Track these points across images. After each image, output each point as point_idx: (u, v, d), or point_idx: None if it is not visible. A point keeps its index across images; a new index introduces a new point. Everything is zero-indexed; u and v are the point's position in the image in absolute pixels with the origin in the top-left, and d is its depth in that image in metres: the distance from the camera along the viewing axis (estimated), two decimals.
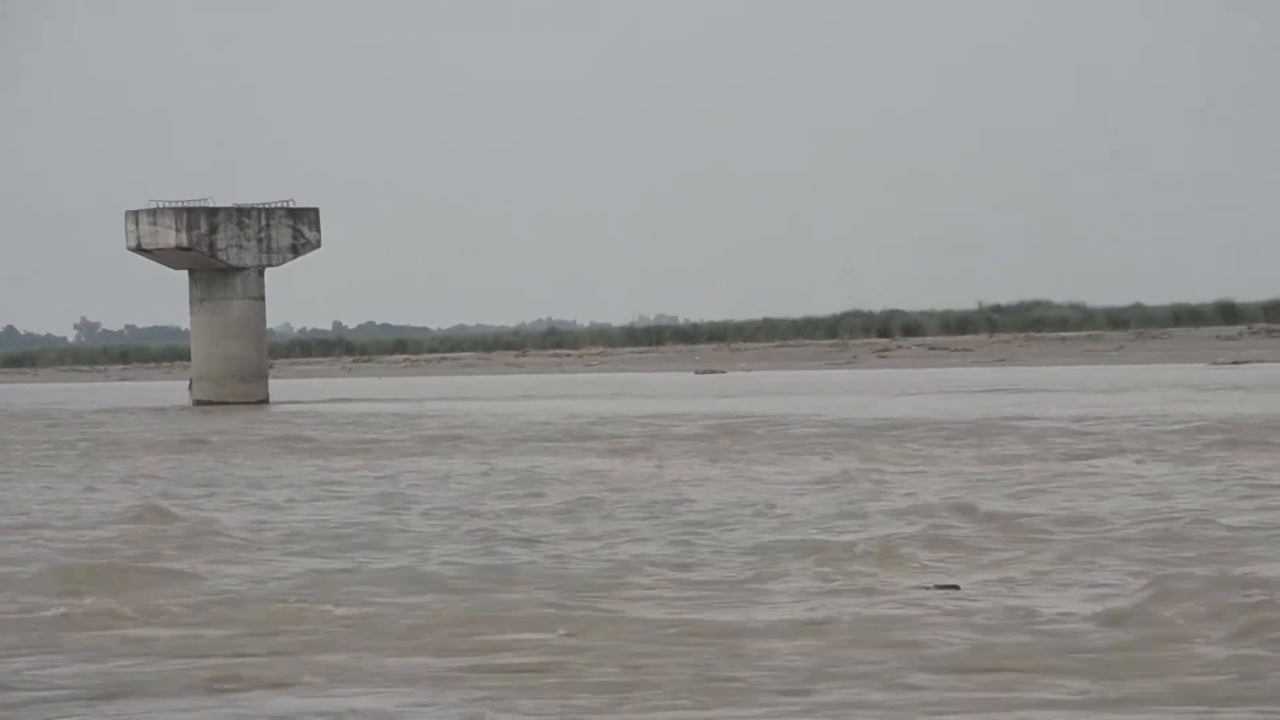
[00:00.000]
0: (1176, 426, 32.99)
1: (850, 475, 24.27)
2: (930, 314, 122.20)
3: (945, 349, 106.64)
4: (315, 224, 71.17)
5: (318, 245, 71.38)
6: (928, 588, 13.60)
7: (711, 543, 17.15)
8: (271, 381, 73.07)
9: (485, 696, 10.40)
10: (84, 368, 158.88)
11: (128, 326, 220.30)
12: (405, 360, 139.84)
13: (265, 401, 68.35)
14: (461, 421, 44.46)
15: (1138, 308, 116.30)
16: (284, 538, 18.55)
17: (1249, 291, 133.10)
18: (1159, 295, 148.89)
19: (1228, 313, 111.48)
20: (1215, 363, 79.64)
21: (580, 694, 10.37)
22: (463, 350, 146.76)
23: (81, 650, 12.23)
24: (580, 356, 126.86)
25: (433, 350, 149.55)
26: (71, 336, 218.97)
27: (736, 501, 21.02)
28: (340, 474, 27.88)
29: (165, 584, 15.12)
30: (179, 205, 69.14)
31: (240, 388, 68.83)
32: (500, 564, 15.82)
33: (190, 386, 71.67)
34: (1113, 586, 13.71)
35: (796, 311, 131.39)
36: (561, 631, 12.36)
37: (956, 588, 13.42)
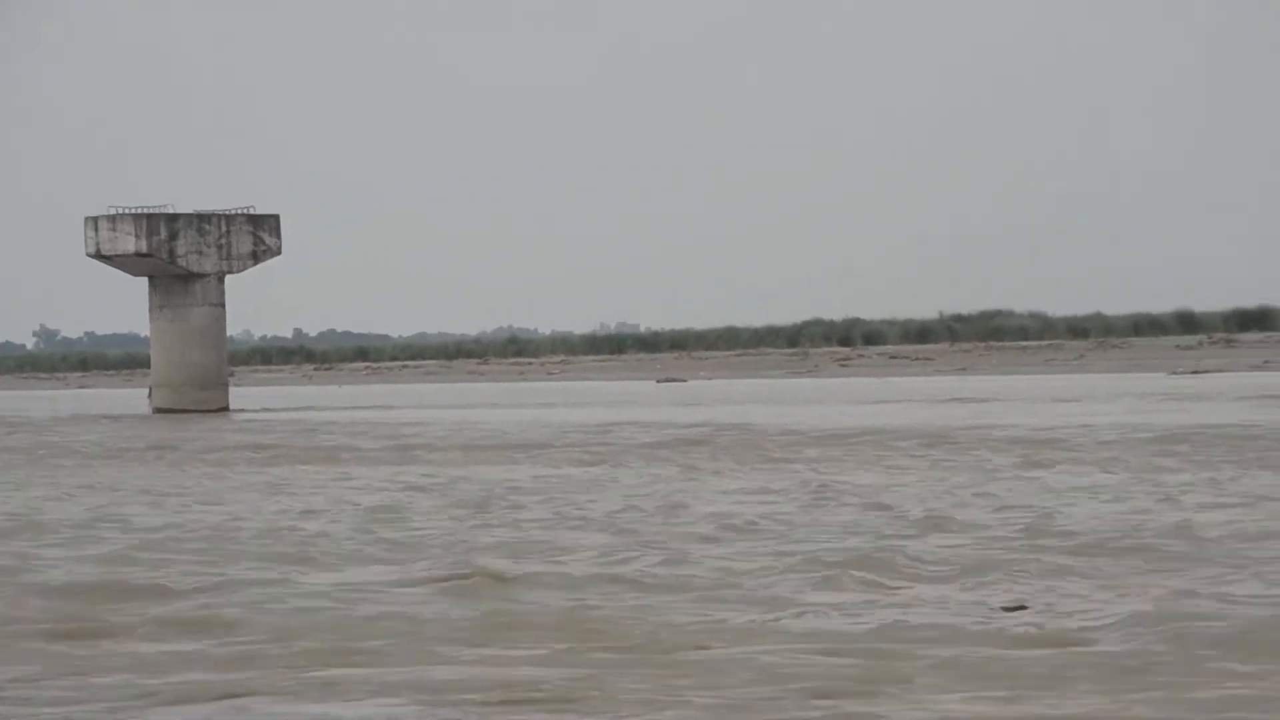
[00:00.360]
0: (1145, 434, 32.99)
1: (829, 486, 24.14)
2: (891, 323, 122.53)
3: (906, 358, 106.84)
4: (276, 230, 70.93)
5: (278, 252, 71.14)
6: (993, 608, 13.26)
7: (716, 555, 16.95)
8: (232, 389, 72.76)
9: (484, 709, 10.26)
10: (42, 375, 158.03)
11: (87, 333, 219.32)
12: (366, 368, 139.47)
13: (225, 409, 68.04)
14: (438, 429, 44.23)
15: (1098, 317, 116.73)
16: (290, 549, 18.33)
17: (1208, 301, 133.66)
18: (1119, 305, 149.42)
19: (1187, 322, 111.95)
20: (1175, 372, 79.96)
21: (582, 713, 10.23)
22: (424, 358, 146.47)
23: (88, 664, 12.07)
24: (542, 365, 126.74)
25: (394, 358, 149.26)
26: (30, 343, 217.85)
27: (729, 513, 20.86)
28: (332, 483, 27.68)
29: (168, 599, 14.94)
30: (138, 211, 68.81)
31: (200, 395, 68.51)
32: (505, 574, 15.63)
33: (150, 394, 71.30)
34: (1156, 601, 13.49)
35: (758, 320, 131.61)
36: (562, 647, 12.20)
37: (1025, 608, 12.96)
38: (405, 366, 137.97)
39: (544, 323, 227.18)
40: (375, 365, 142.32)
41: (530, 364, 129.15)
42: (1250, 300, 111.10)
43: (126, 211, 68.66)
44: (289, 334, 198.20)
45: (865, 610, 13.31)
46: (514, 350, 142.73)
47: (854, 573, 15.15)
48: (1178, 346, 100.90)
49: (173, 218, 68.94)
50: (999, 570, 15.22)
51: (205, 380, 68.89)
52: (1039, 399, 54.44)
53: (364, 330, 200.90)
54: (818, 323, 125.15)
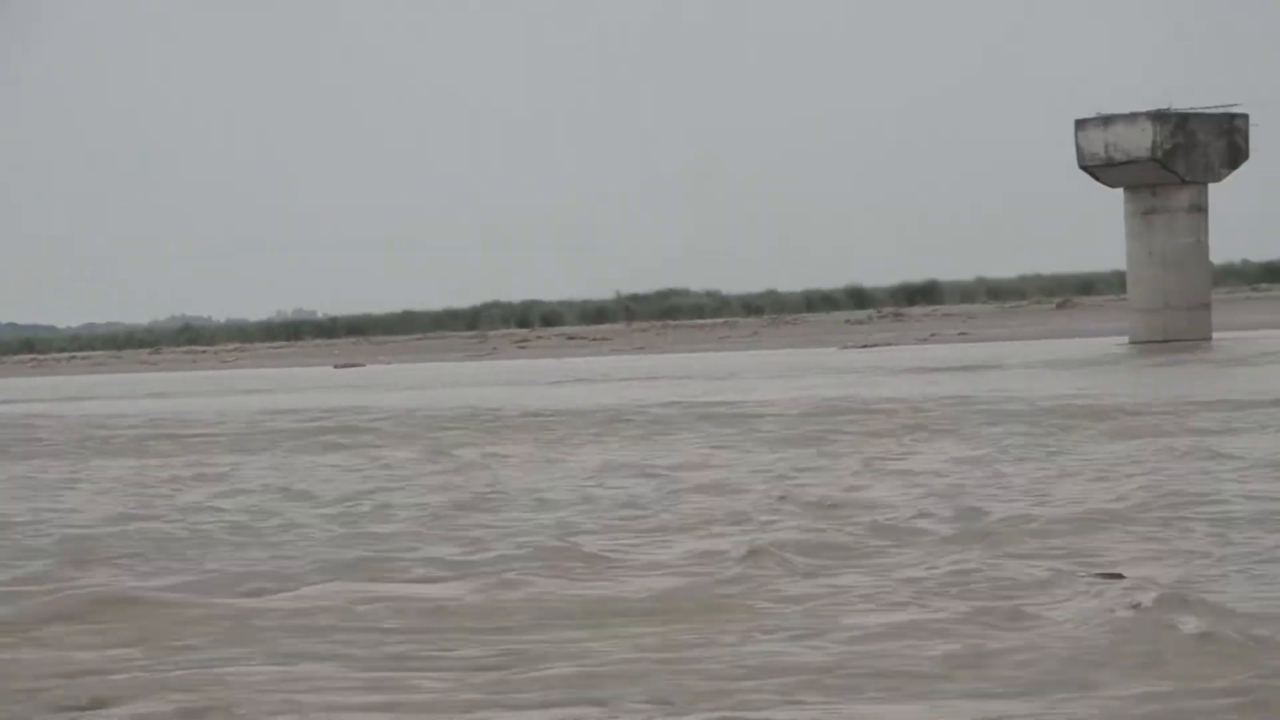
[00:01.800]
0: (876, 408, 33.47)
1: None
2: (569, 304, 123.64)
3: (584, 338, 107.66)
4: None
5: None
6: (1087, 575, 12.37)
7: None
8: None
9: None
10: None
11: None
12: (33, 360, 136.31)
13: None
14: (158, 420, 43.21)
15: (771, 294, 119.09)
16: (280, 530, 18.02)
17: (877, 277, 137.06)
18: (792, 282, 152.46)
19: (858, 297, 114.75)
20: (846, 346, 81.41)
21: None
22: (93, 349, 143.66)
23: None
24: (216, 353, 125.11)
25: (62, 350, 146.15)
26: None
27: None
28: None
29: None
30: None
31: None
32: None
33: None
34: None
35: (437, 303, 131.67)
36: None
37: (1121, 576, 12.23)
38: (74, 358, 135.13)
39: (219, 310, 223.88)
40: (41, 357, 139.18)
41: (204, 352, 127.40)
42: (917, 275, 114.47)
43: None
44: None
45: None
46: (187, 339, 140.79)
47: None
48: (848, 321, 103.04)
49: None
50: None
51: None
52: (766, 376, 55.22)
53: (29, 321, 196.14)
54: (496, 305, 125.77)
